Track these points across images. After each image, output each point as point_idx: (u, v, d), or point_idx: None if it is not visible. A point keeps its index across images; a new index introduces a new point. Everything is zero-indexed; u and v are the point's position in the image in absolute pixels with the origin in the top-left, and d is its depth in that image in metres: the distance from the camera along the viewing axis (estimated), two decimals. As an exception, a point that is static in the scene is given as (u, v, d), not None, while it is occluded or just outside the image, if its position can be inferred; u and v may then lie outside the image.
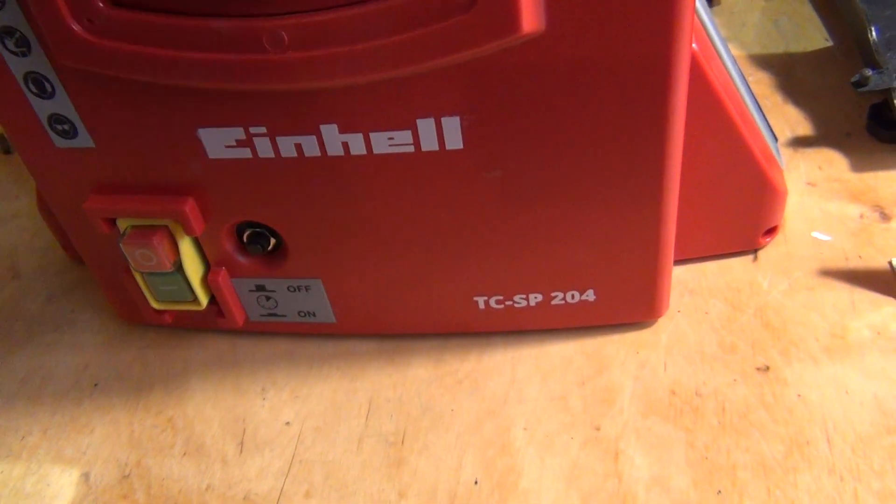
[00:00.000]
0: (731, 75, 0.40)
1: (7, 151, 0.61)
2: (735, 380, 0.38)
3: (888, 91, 0.46)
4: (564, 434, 0.37)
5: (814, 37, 0.59)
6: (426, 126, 0.32)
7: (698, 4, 0.38)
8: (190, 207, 0.37)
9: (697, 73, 0.35)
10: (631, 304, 0.40)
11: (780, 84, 0.55)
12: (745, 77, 0.43)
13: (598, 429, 0.37)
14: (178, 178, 0.36)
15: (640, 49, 0.30)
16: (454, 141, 0.33)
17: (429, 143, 0.33)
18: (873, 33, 0.48)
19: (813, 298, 0.41)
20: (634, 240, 0.37)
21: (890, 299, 0.40)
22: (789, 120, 0.52)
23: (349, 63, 0.29)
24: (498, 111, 0.32)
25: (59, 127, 0.35)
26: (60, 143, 0.36)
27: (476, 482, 0.36)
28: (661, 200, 0.35)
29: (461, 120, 0.32)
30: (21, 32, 0.32)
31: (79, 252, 0.42)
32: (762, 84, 0.55)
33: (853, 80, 0.47)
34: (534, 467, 0.36)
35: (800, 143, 0.50)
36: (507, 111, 0.32)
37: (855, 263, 0.42)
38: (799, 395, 0.37)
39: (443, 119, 0.32)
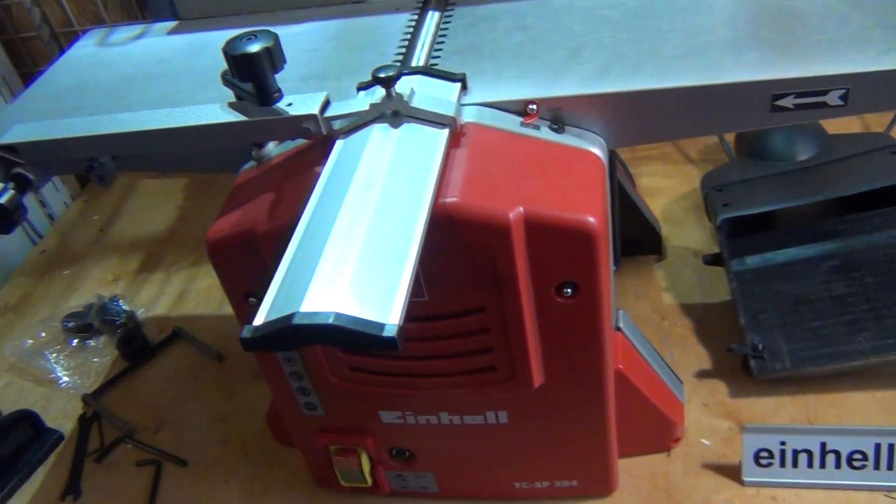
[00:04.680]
0: (648, 363, 0.76)
1: (220, 361, 0.98)
2: (649, 530, 0.73)
3: (747, 354, 0.81)
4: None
5: (721, 291, 0.94)
6: (490, 414, 0.68)
7: (628, 333, 0.74)
8: (370, 443, 0.73)
9: (623, 380, 0.71)
10: (596, 485, 0.75)
11: (696, 328, 0.91)
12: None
13: (578, 556, 0.72)
14: (364, 428, 0.72)
15: (586, 381, 0.65)
16: (503, 419, 0.69)
17: (491, 420, 0.69)
18: (741, 318, 0.83)
19: (696, 482, 0.76)
20: (594, 458, 0.72)
21: (736, 484, 0.75)
22: (699, 357, 0.87)
23: (454, 403, 0.66)
24: (521, 412, 0.68)
25: (308, 406, 0.72)
26: (317, 413, 0.72)
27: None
28: (606, 441, 0.70)
29: (507, 413, 0.68)
30: (301, 373, 0.68)
31: (301, 453, 0.78)
32: (685, 328, 0.91)
33: (727, 347, 0.82)
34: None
35: (703, 374, 0.85)
36: (530, 410, 0.68)
37: (722, 461, 0.77)
38: (682, 539, 0.72)
39: (497, 412, 0.68)
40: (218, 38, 0.77)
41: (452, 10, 0.74)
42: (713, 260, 0.91)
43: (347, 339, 0.42)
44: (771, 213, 0.94)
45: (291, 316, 0.42)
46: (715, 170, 0.98)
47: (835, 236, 0.87)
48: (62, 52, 0.80)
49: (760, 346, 0.81)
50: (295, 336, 0.42)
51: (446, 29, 0.72)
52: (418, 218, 0.49)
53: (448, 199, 0.54)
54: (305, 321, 0.42)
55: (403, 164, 0.53)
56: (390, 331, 0.42)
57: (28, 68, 1.27)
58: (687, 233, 1.04)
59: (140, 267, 1.17)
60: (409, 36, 0.71)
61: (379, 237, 0.47)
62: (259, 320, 0.44)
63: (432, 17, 0.73)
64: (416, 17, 0.74)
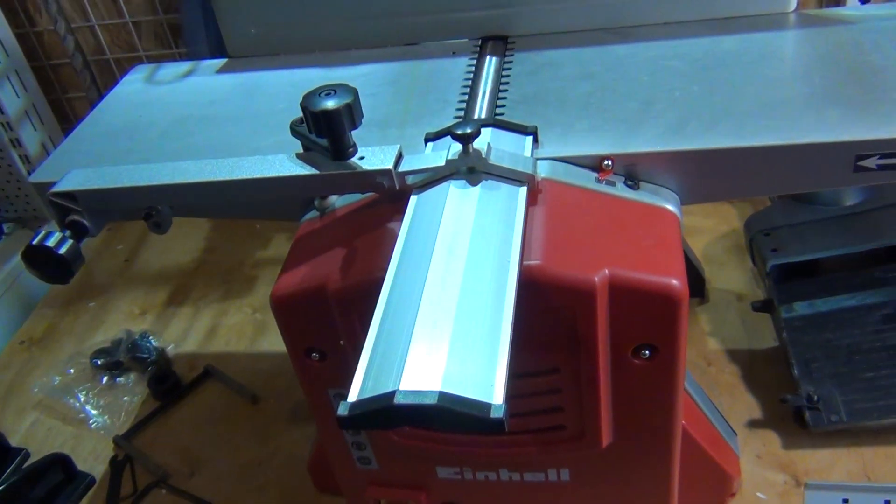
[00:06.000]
0: (707, 417, 0.74)
1: (255, 402, 0.96)
2: (710, 590, 0.71)
3: (801, 406, 0.80)
4: None
5: (767, 336, 0.93)
6: (552, 471, 0.67)
7: (689, 387, 0.72)
8: (423, 497, 0.71)
9: (687, 437, 0.69)
10: (653, 542, 0.73)
11: (744, 375, 0.89)
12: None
13: None
14: (418, 482, 0.70)
15: (655, 440, 0.64)
16: (565, 477, 0.67)
17: (552, 477, 0.67)
18: (795, 368, 0.82)
19: (754, 539, 0.74)
20: (654, 517, 0.70)
21: (795, 542, 0.73)
22: (748, 406, 0.86)
23: (516, 460, 0.64)
24: (585, 470, 0.66)
25: (362, 461, 0.70)
26: (371, 467, 0.70)
27: None
28: (668, 498, 0.69)
29: (570, 470, 0.66)
30: (363, 439, 0.66)
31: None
32: (733, 375, 0.89)
33: (781, 398, 0.80)
34: None
35: (754, 424, 0.84)
36: (594, 468, 0.66)
37: (779, 516, 0.75)
38: None
39: (560, 469, 0.66)
40: (270, 80, 0.76)
41: (512, 55, 0.73)
42: (763, 307, 0.90)
43: (451, 419, 0.40)
44: (820, 259, 0.93)
45: (392, 394, 0.41)
46: (760, 213, 0.97)
47: (886, 284, 0.86)
48: (111, 87, 0.78)
49: (816, 398, 0.80)
50: (396, 416, 0.41)
51: (508, 75, 0.70)
52: (507, 287, 0.47)
53: (532, 262, 0.52)
54: (408, 401, 0.40)
55: (486, 227, 0.52)
56: (497, 412, 0.40)
57: (56, 95, 1.25)
58: (728, 275, 1.02)
59: (168, 300, 1.14)
60: (469, 82, 0.70)
61: (471, 308, 0.46)
62: (353, 396, 0.42)
63: (491, 63, 0.72)
64: (474, 61, 0.73)
